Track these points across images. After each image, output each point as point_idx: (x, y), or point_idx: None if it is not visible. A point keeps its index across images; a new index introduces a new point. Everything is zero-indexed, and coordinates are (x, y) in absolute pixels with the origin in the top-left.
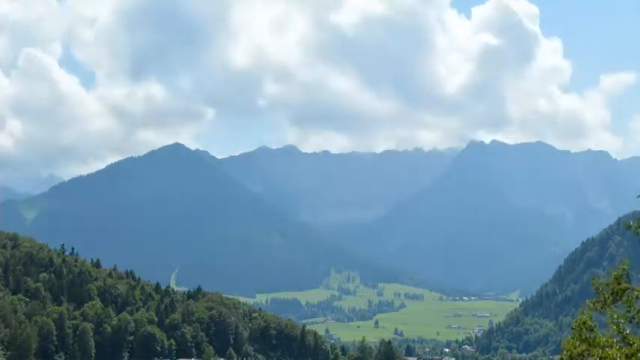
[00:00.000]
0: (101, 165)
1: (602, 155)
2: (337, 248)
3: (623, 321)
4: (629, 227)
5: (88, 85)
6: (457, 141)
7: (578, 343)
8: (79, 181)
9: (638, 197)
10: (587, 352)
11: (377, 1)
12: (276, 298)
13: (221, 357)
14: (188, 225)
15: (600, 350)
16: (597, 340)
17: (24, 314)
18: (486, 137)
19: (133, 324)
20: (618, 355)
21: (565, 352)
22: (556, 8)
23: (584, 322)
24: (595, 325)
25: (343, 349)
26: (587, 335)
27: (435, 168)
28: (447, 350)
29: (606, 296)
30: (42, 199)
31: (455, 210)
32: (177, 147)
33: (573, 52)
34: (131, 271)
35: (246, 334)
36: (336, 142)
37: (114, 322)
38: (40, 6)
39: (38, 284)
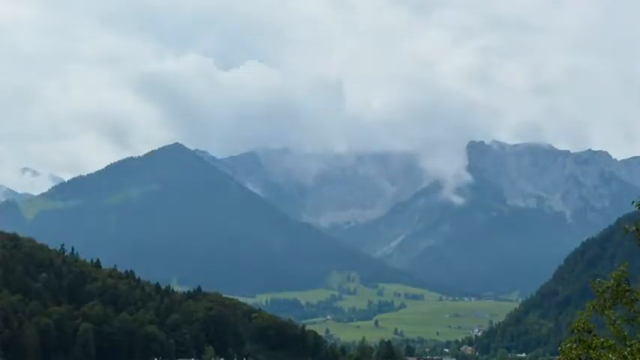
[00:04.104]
0: (101, 165)
1: (602, 155)
2: (337, 248)
3: (620, 322)
4: (627, 232)
5: None
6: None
7: (575, 346)
8: (79, 181)
9: (633, 203)
10: (586, 356)
11: None
12: (276, 298)
13: (221, 357)
14: (188, 225)
15: (598, 352)
16: (595, 342)
17: (24, 314)
18: (486, 137)
19: (133, 324)
20: (615, 357)
21: (562, 355)
22: None
23: (584, 324)
24: (594, 327)
25: (343, 349)
26: (586, 337)
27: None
28: (447, 350)
29: (606, 298)
30: (42, 199)
31: (454, 210)
32: (177, 147)
33: None
34: (131, 271)
35: (246, 334)
36: (337, 142)
37: (114, 322)
38: None
39: (38, 284)
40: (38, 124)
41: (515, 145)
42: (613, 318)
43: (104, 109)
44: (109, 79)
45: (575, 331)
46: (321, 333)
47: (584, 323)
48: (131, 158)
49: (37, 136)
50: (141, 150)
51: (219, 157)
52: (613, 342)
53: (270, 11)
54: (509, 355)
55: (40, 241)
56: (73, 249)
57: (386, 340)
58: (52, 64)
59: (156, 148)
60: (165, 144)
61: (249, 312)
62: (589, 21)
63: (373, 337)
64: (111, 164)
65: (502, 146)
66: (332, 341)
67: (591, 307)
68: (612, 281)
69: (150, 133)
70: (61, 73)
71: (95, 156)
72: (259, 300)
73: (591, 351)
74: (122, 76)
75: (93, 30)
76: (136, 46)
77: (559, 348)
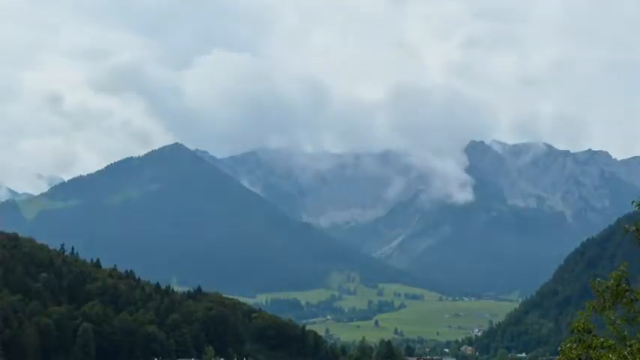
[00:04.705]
0: (101, 165)
1: (602, 155)
2: (337, 248)
3: (620, 322)
4: (627, 232)
5: None
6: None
7: (575, 346)
8: (79, 181)
9: (633, 203)
10: (586, 356)
11: None
12: (276, 298)
13: (221, 357)
14: (188, 225)
15: (598, 352)
16: (595, 342)
17: (24, 314)
18: (486, 137)
19: (133, 324)
20: (615, 357)
21: (562, 355)
22: None
23: (583, 324)
24: (594, 327)
25: (343, 349)
26: (586, 337)
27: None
28: (447, 350)
29: (606, 298)
30: (42, 199)
31: (454, 210)
32: (177, 147)
33: None
34: (131, 271)
35: (246, 334)
36: (336, 142)
37: (114, 322)
38: None
39: (38, 284)
40: (35, 123)
41: (515, 145)
42: (613, 318)
43: (103, 108)
44: (103, 76)
45: (575, 331)
46: (321, 333)
47: (584, 323)
48: (131, 158)
49: (36, 135)
50: (141, 150)
51: (219, 157)
52: (613, 342)
53: (256, 2)
54: (509, 355)
55: (40, 241)
56: (73, 249)
57: (386, 340)
58: (31, 56)
59: (156, 148)
60: (165, 144)
61: (249, 312)
62: (586, 13)
63: (373, 337)
64: (111, 164)
65: (502, 146)
66: (332, 341)
67: (591, 307)
68: (612, 281)
69: (148, 132)
70: (44, 66)
71: (95, 156)
72: (259, 300)
73: (591, 351)
74: (119, 73)
75: (71, 21)
76: (119, 39)
77: (559, 348)
